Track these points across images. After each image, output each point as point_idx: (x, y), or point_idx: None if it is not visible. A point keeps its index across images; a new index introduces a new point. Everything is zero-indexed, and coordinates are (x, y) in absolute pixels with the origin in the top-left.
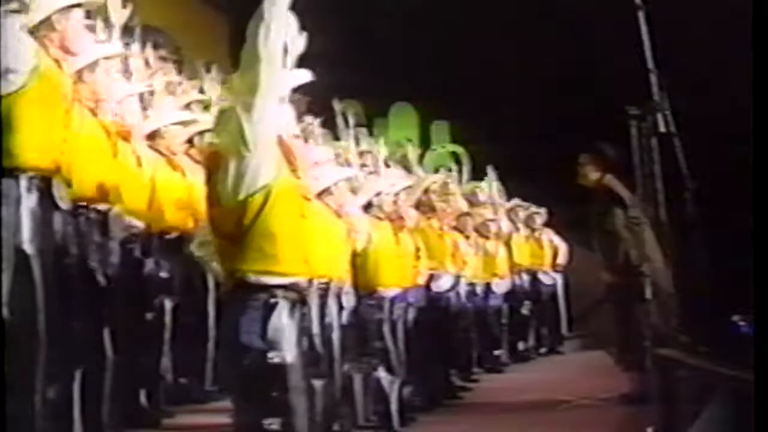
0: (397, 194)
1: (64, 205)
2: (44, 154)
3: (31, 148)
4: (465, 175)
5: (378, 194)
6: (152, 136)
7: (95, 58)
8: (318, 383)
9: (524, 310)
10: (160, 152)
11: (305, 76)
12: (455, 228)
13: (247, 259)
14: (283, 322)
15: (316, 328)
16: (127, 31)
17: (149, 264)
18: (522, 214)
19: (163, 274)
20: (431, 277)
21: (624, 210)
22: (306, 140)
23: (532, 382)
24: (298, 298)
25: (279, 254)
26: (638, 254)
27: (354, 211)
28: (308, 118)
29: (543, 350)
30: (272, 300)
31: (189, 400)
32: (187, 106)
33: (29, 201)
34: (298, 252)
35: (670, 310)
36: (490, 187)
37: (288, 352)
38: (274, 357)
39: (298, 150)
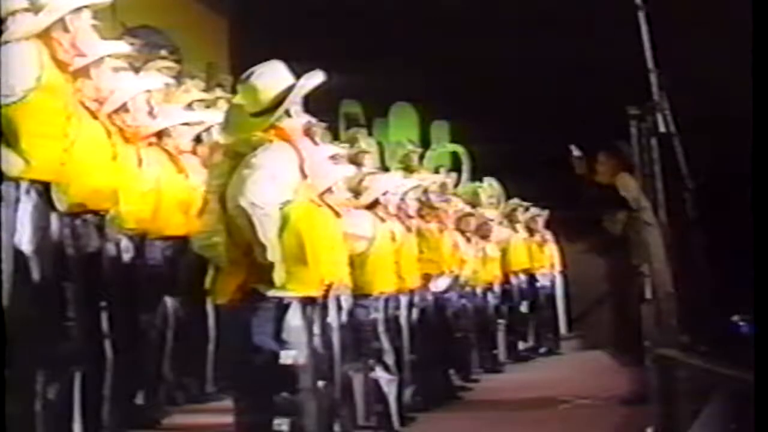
0: (405, 194)
1: (62, 207)
2: (46, 165)
3: (33, 159)
4: (465, 175)
5: (385, 193)
6: (160, 135)
7: (101, 55)
8: (320, 384)
9: (524, 310)
10: (167, 152)
11: (318, 77)
12: (455, 228)
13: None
14: (297, 323)
15: (317, 329)
16: (128, 32)
17: (149, 264)
18: (522, 215)
19: (164, 275)
20: (430, 278)
21: (629, 210)
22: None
23: (531, 382)
24: (309, 299)
25: (298, 274)
26: (639, 255)
27: (357, 213)
28: (312, 119)
29: (543, 350)
30: (285, 301)
31: (189, 400)
32: (189, 105)
33: (28, 203)
34: (316, 271)
35: (670, 310)
36: (490, 187)
37: (300, 352)
38: (286, 358)
39: (307, 150)
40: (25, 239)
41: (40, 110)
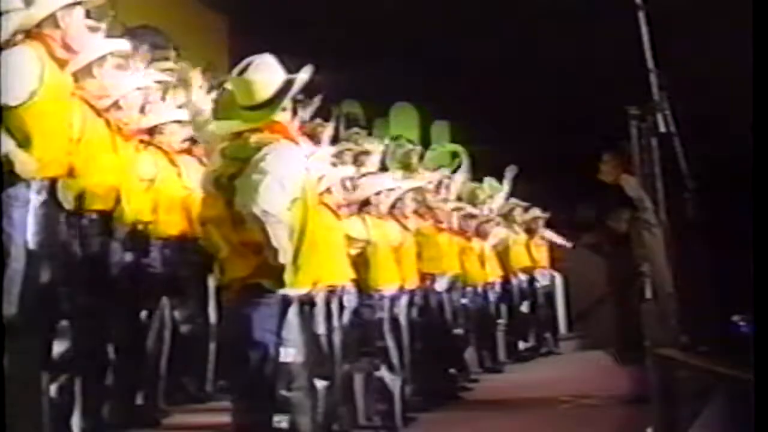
0: (403, 194)
1: (69, 206)
2: (57, 163)
3: (45, 158)
4: (465, 175)
5: (378, 193)
6: (151, 132)
7: (103, 54)
8: (321, 383)
9: (524, 310)
10: (161, 150)
11: (308, 70)
12: (455, 228)
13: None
14: (295, 320)
15: (322, 329)
16: (128, 31)
17: (149, 263)
18: (522, 214)
19: (163, 274)
20: (431, 278)
21: (633, 210)
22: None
23: (532, 382)
24: (307, 299)
25: (301, 270)
26: (640, 254)
27: (352, 218)
28: (318, 119)
29: (543, 350)
30: (286, 298)
31: (189, 400)
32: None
33: (37, 203)
34: (311, 271)
35: (670, 310)
36: (490, 187)
37: (299, 350)
38: (285, 355)
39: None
40: (33, 238)
41: (47, 109)
